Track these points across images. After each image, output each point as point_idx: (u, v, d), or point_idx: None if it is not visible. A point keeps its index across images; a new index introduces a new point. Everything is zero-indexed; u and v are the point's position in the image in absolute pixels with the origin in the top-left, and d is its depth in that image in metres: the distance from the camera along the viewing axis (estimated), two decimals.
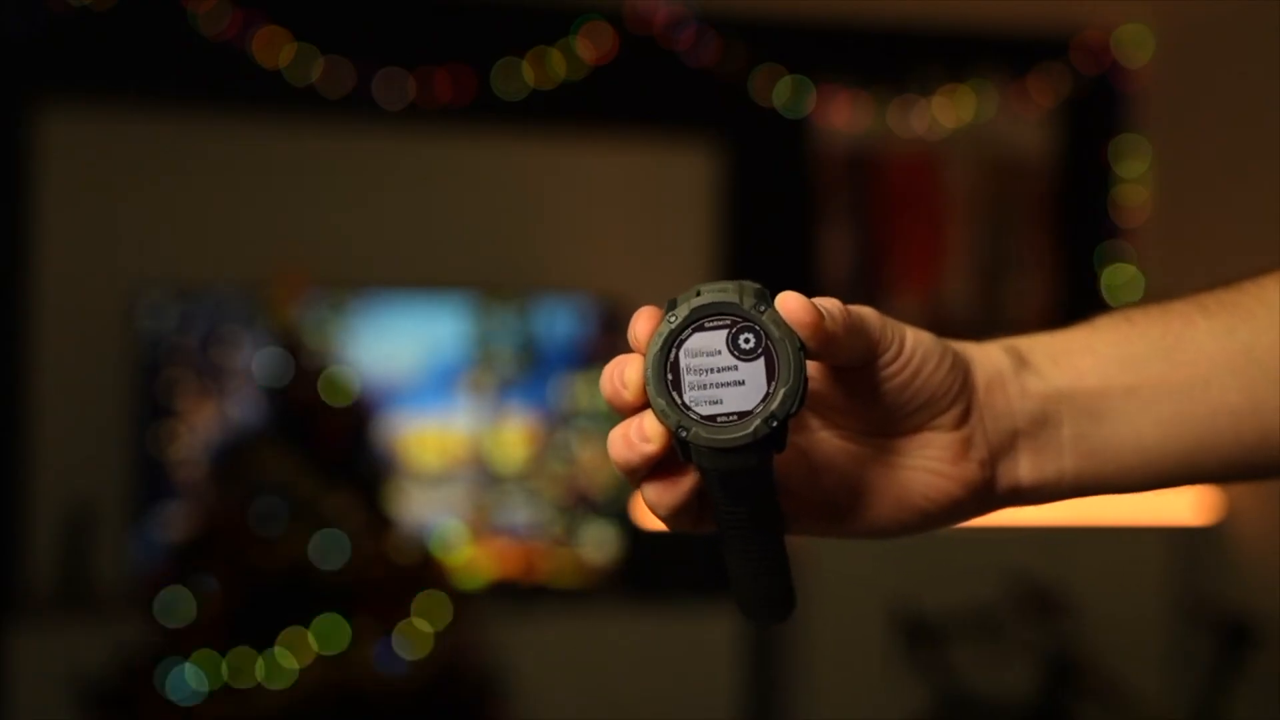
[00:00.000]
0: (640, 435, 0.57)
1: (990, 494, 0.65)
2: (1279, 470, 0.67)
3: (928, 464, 0.64)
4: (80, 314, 3.43)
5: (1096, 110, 3.93)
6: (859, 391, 0.62)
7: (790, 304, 0.56)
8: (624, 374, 0.57)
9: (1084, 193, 3.97)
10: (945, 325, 3.76)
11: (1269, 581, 3.39)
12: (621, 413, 0.58)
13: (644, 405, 0.57)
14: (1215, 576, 3.56)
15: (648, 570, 3.60)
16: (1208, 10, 3.64)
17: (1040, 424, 0.65)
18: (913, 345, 0.61)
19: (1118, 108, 3.95)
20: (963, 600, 3.41)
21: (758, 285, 0.57)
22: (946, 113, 3.85)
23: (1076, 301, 3.91)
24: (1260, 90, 3.44)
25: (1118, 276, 3.92)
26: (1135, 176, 3.93)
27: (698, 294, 0.57)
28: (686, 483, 0.59)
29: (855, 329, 0.59)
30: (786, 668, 3.51)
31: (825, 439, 0.64)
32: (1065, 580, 3.47)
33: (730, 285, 0.57)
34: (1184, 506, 3.58)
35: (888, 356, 0.61)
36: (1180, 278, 3.67)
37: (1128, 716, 3.32)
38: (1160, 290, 3.81)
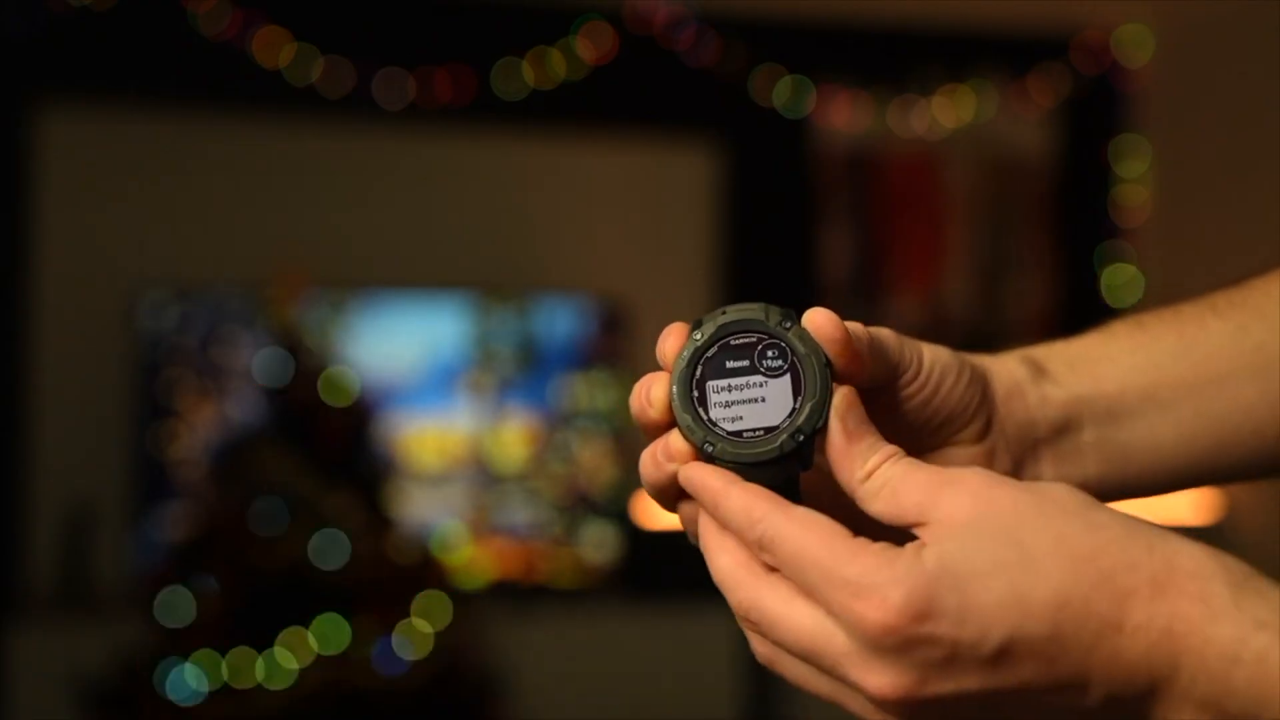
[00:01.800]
0: (666, 454, 0.57)
1: None
2: None
3: None
4: (80, 314, 3.43)
5: (1096, 110, 3.93)
6: (880, 411, 0.61)
7: (819, 319, 0.56)
8: (650, 392, 0.57)
9: (1084, 193, 3.97)
10: (945, 325, 3.76)
11: None
12: (649, 431, 0.58)
13: (671, 423, 0.57)
14: None
15: (648, 570, 3.60)
16: (1208, 10, 3.64)
17: (1061, 431, 0.65)
18: (930, 362, 0.61)
19: (1118, 108, 3.95)
20: None
21: (785, 307, 0.57)
22: (946, 113, 3.85)
23: (1076, 301, 3.91)
24: (1260, 90, 3.44)
25: (1118, 276, 3.92)
26: (1135, 176, 3.93)
27: (724, 313, 0.57)
28: None
29: (876, 350, 0.59)
30: None
31: None
32: None
33: (756, 305, 0.57)
34: (1184, 506, 3.58)
35: (907, 376, 0.61)
36: (1180, 278, 3.67)
37: None
38: (1160, 290, 3.81)
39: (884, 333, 0.60)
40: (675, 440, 0.57)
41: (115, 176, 3.48)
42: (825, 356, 0.56)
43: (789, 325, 0.56)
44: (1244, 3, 3.47)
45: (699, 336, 0.57)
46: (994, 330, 3.83)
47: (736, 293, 3.56)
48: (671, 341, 0.57)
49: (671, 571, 3.59)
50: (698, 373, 0.56)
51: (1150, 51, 3.90)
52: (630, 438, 3.56)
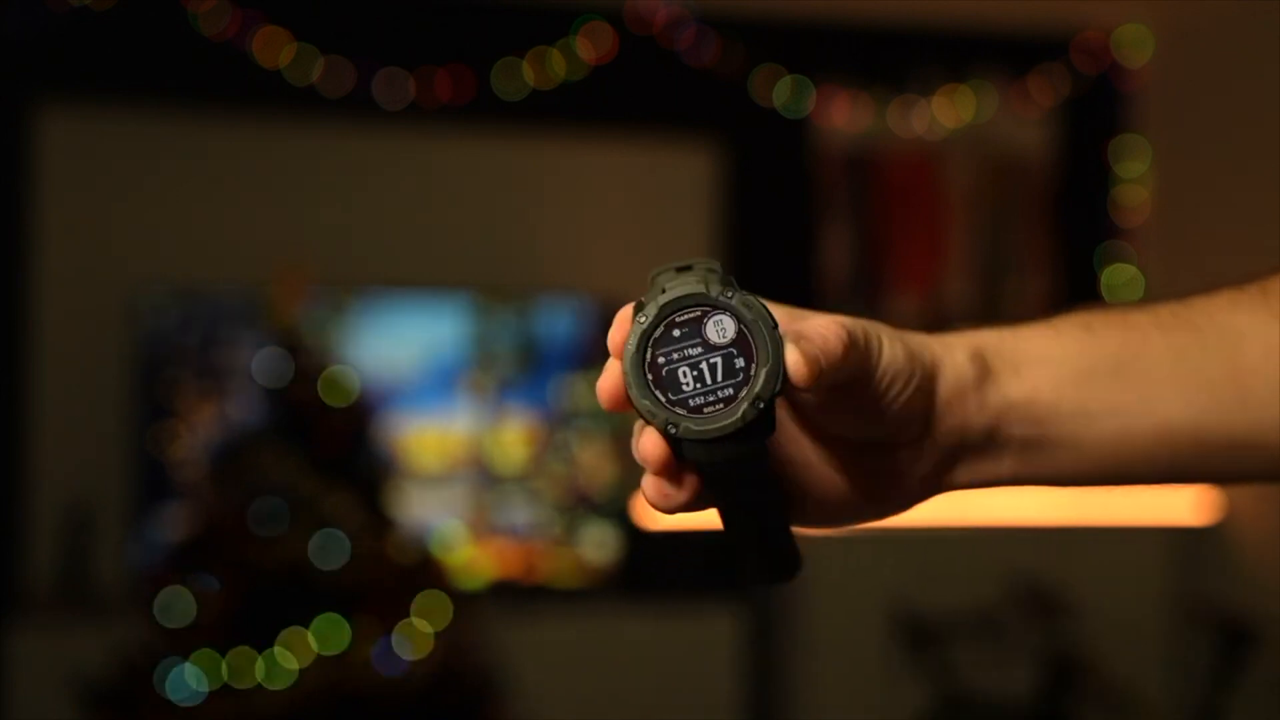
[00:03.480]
0: (640, 457, 0.56)
1: (922, 496, 0.66)
2: (1215, 481, 0.68)
3: (868, 472, 0.63)
4: (80, 314, 3.43)
5: (1096, 110, 3.93)
6: (821, 406, 0.61)
7: (792, 358, 0.55)
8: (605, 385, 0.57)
9: (1084, 193, 3.97)
10: (945, 325, 3.75)
11: (1269, 581, 3.39)
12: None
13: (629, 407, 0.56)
14: (1215, 576, 3.56)
15: (648, 570, 3.60)
16: (1208, 10, 3.64)
17: (989, 438, 0.65)
18: (884, 367, 0.60)
19: (1118, 108, 3.95)
20: (963, 600, 3.41)
21: (717, 267, 0.57)
22: (946, 113, 3.85)
23: (1076, 301, 3.90)
24: (1260, 90, 3.44)
25: (1118, 276, 3.92)
26: (1135, 176, 3.93)
27: (664, 291, 0.56)
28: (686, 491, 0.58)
29: (851, 359, 0.58)
30: (787, 668, 3.51)
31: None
32: (1065, 580, 3.47)
33: (692, 275, 0.56)
34: (1184, 506, 3.58)
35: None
36: (1180, 278, 3.67)
37: (1127, 717, 3.32)
38: (1160, 290, 3.81)
39: (857, 337, 0.59)
40: (646, 443, 0.56)
41: (115, 176, 3.48)
42: (773, 319, 0.55)
43: (731, 294, 0.55)
44: (1244, 3, 3.47)
45: (643, 319, 0.56)
46: None
47: None
48: (619, 329, 0.57)
49: (671, 571, 3.59)
50: (648, 356, 0.56)
51: (1150, 51, 3.90)
52: (629, 438, 3.55)
